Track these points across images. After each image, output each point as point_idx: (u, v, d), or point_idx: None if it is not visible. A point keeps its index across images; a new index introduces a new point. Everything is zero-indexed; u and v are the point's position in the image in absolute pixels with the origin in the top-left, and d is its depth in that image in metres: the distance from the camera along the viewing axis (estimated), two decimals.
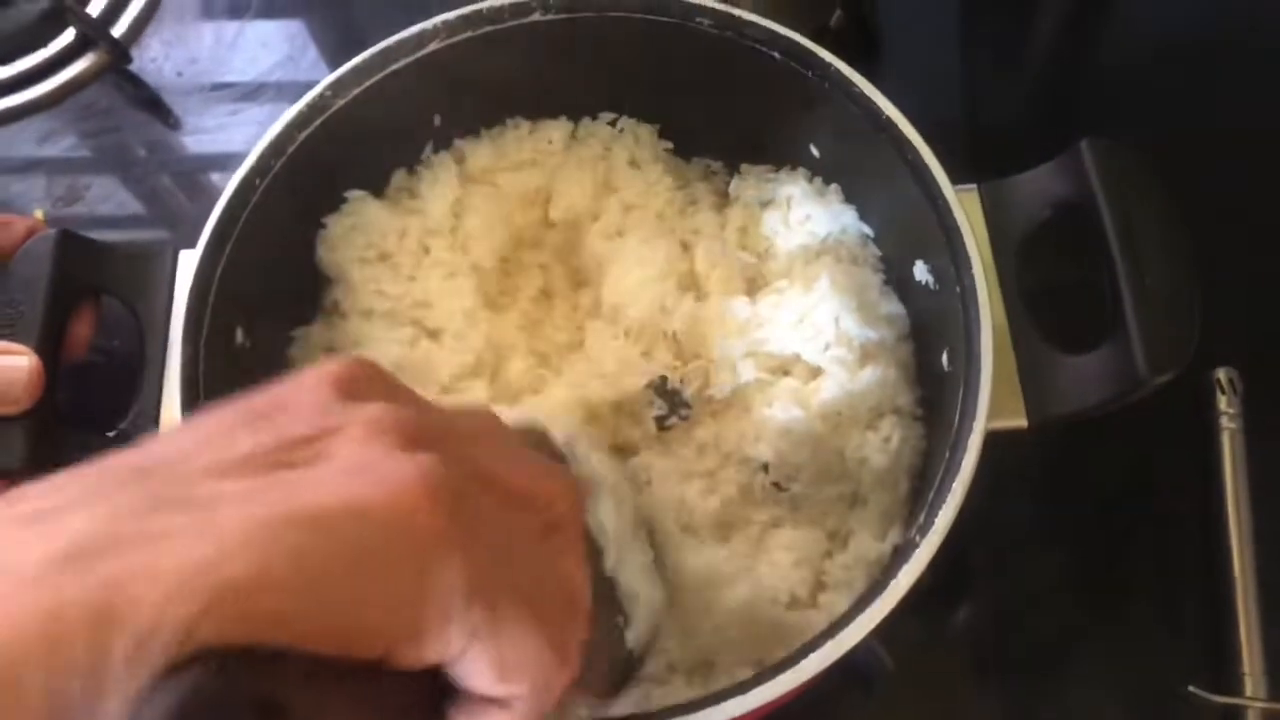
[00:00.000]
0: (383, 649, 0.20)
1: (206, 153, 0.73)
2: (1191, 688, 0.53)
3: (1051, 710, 0.55)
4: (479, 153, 0.59)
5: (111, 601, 0.18)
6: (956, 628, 0.57)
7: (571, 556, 0.26)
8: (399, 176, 0.58)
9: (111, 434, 0.48)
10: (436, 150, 0.58)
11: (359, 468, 0.21)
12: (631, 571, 0.40)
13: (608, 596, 0.40)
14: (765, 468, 0.51)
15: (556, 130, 0.58)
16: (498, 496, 0.24)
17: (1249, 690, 0.53)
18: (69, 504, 0.21)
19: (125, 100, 0.75)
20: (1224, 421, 0.59)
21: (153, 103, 0.75)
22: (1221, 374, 0.59)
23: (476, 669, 0.22)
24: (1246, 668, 0.53)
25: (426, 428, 0.23)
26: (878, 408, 0.52)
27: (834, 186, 0.57)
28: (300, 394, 0.24)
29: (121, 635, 0.18)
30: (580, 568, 0.27)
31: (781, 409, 0.51)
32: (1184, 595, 0.56)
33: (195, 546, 0.19)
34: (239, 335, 0.50)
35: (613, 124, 0.59)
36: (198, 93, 0.75)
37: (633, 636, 0.40)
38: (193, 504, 0.20)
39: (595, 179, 0.58)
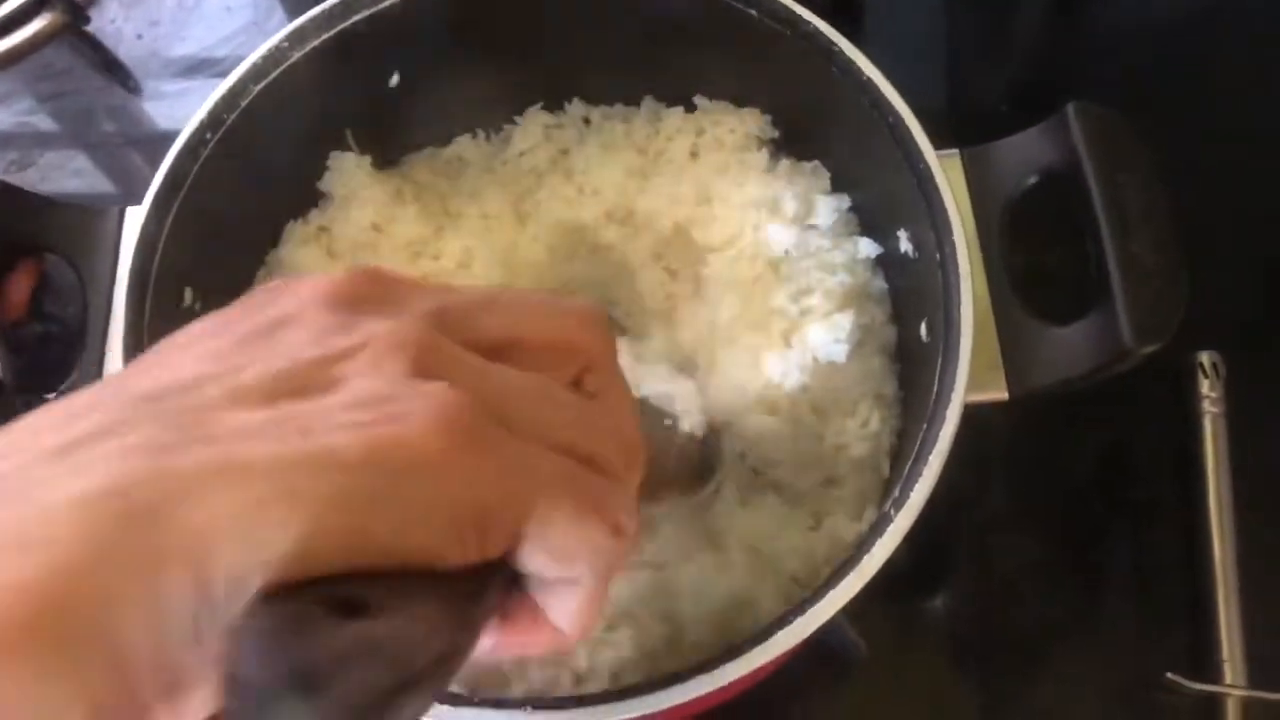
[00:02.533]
0: (427, 561, 0.21)
1: (167, 118, 0.71)
2: (1170, 674, 0.52)
3: (1030, 697, 0.54)
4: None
5: (167, 548, 0.18)
6: (933, 615, 0.56)
7: (612, 394, 0.26)
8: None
9: (51, 395, 0.46)
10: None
11: (372, 400, 0.21)
12: (653, 371, 0.40)
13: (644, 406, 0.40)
14: (742, 455, 0.50)
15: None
16: (520, 372, 0.24)
17: (1228, 677, 0.52)
18: (96, 433, 0.20)
19: (84, 63, 0.72)
20: (1206, 406, 0.58)
21: (112, 66, 0.72)
22: (1204, 357, 0.58)
23: (532, 560, 0.23)
24: (1225, 654, 0.53)
25: (433, 345, 0.23)
26: (860, 396, 0.50)
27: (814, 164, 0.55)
28: (300, 309, 0.23)
29: (184, 587, 0.18)
30: (624, 404, 0.26)
31: (757, 419, 0.49)
32: (1164, 581, 0.56)
33: (233, 491, 0.19)
34: (188, 296, 0.48)
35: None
36: (159, 56, 0.72)
37: (688, 425, 0.41)
38: (218, 439, 0.20)
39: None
